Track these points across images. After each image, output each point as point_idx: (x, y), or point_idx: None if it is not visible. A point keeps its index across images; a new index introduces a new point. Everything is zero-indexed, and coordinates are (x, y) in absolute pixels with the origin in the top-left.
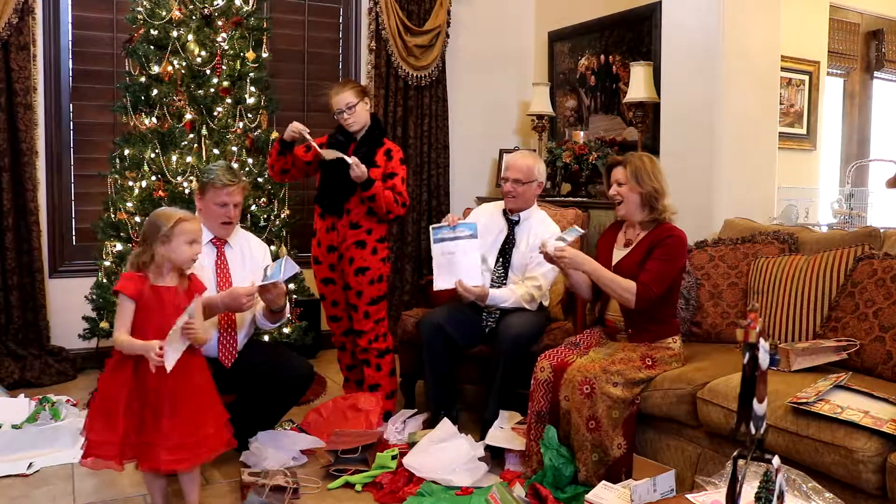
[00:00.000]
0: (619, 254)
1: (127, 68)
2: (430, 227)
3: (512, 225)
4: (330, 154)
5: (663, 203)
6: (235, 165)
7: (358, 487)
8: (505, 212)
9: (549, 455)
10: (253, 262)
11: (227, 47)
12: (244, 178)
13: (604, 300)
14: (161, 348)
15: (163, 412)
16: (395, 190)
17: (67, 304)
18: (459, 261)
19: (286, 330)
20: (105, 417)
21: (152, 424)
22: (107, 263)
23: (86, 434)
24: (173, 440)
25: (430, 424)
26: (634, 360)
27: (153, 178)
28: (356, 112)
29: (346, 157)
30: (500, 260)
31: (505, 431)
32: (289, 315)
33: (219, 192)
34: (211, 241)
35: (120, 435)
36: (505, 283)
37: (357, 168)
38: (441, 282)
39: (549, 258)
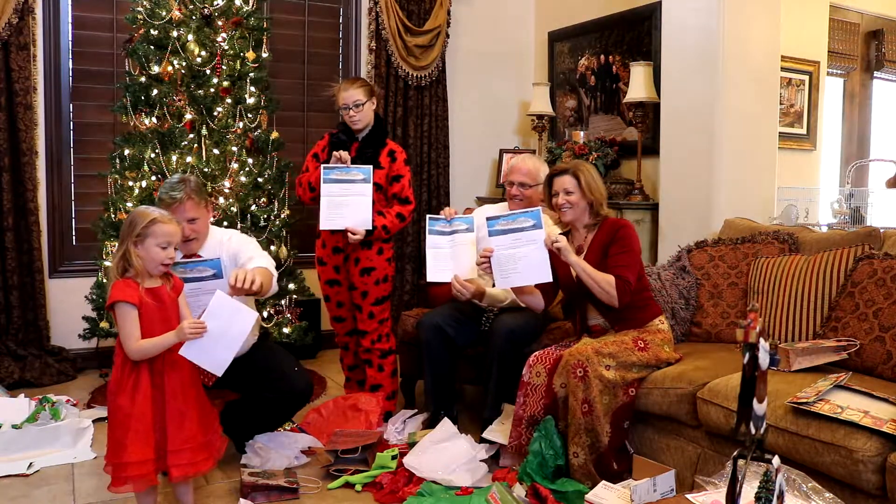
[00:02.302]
0: None
1: (127, 68)
2: (427, 216)
3: None
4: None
5: (605, 208)
6: (235, 166)
7: (358, 487)
8: None
9: (541, 442)
10: (226, 272)
11: (227, 47)
12: (198, 193)
13: (581, 309)
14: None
15: (185, 414)
16: (400, 196)
17: (67, 304)
18: (454, 255)
19: (286, 330)
20: (139, 437)
21: (177, 430)
22: (107, 263)
23: (116, 459)
24: (197, 440)
25: (430, 424)
26: (627, 343)
27: (153, 178)
28: (363, 110)
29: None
30: None
31: (504, 427)
32: (275, 288)
33: (166, 209)
34: (183, 257)
35: (154, 450)
36: None
37: (352, 236)
38: (433, 274)
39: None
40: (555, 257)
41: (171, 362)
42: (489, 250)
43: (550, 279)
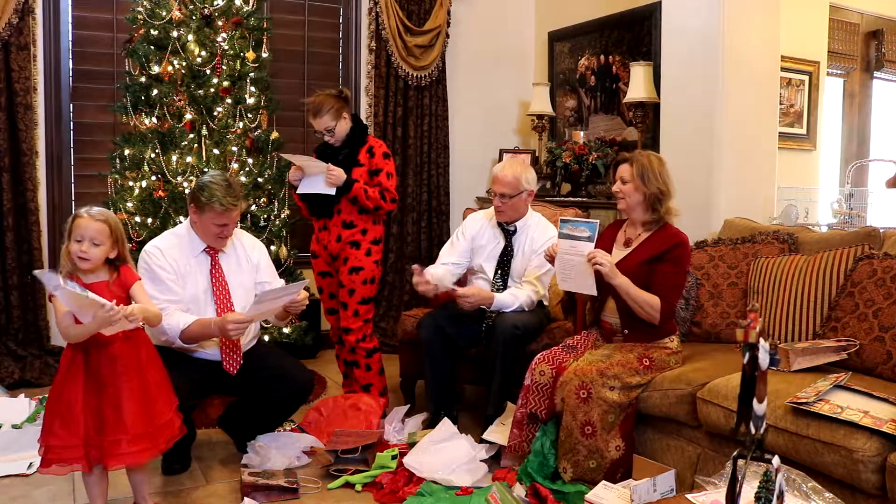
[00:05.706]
0: (618, 254)
1: (127, 68)
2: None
3: (509, 235)
4: (301, 161)
5: (667, 205)
6: (235, 166)
7: (358, 487)
8: (500, 222)
9: (542, 441)
10: (249, 264)
11: (227, 47)
12: (242, 198)
13: (600, 302)
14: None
15: (122, 405)
16: (381, 187)
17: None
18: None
19: (286, 330)
20: (63, 420)
21: (114, 420)
22: None
23: (43, 441)
24: (134, 430)
25: (430, 424)
26: (632, 362)
27: (153, 178)
28: (336, 133)
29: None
30: (499, 271)
31: (504, 428)
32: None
33: (220, 216)
34: (205, 250)
35: (82, 436)
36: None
37: (331, 177)
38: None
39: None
40: (600, 243)
41: (108, 357)
42: (555, 249)
43: (595, 293)
